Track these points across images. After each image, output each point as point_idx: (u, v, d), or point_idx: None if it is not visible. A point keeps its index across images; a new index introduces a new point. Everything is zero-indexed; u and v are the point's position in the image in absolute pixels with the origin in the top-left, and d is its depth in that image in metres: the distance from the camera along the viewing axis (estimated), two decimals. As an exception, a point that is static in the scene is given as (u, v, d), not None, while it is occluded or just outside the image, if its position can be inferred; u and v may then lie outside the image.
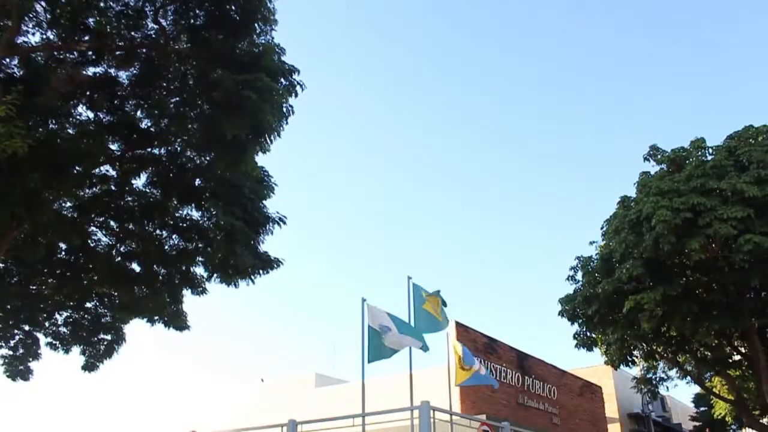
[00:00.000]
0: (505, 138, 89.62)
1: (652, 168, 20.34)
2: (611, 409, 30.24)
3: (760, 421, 24.15)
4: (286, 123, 11.34)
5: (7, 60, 11.40)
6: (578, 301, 21.20)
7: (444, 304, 14.16)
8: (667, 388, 27.35)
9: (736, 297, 20.07)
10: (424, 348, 12.86)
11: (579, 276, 21.89)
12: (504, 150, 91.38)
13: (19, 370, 16.16)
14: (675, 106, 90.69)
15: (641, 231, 18.06)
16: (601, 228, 21.54)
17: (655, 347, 22.66)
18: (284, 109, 11.14)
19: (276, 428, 9.32)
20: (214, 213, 13.59)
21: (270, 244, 15.08)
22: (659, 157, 20.10)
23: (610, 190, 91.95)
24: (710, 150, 19.24)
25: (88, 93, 12.41)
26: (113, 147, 12.89)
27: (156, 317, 15.25)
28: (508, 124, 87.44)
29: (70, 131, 12.11)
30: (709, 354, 22.87)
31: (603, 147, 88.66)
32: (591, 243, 22.14)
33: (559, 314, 21.85)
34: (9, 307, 15.20)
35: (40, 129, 11.33)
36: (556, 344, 77.90)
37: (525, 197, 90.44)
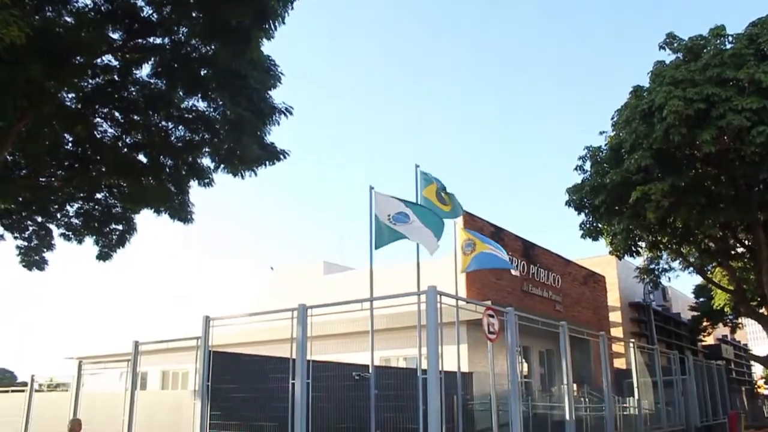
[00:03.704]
0: (516, 21, 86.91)
1: (668, 57, 19.75)
2: (613, 298, 31.05)
3: (759, 311, 24.84)
4: (291, 8, 10.96)
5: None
6: (586, 191, 21.25)
7: (444, 193, 13.99)
8: (669, 279, 28.05)
9: (744, 190, 20.05)
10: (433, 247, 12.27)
11: (587, 166, 21.83)
12: (516, 34, 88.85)
13: (34, 260, 16.52)
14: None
15: (652, 121, 17.80)
16: (612, 118, 21.23)
17: (659, 238, 22.91)
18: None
19: (286, 312, 9.55)
20: (220, 103, 13.42)
21: (277, 136, 14.95)
22: (675, 45, 19.44)
23: (624, 79, 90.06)
24: (730, 38, 18.52)
25: (84, -22, 11.95)
26: (114, 36, 12.53)
27: (162, 208, 15.36)
28: (520, 4, 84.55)
29: (68, 20, 11.75)
30: (713, 245, 23.15)
31: (620, 33, 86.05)
32: (601, 133, 21.94)
33: (566, 204, 21.98)
34: (21, 199, 15.35)
35: (36, 17, 10.98)
36: (562, 232, 79.02)
37: (537, 85, 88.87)
